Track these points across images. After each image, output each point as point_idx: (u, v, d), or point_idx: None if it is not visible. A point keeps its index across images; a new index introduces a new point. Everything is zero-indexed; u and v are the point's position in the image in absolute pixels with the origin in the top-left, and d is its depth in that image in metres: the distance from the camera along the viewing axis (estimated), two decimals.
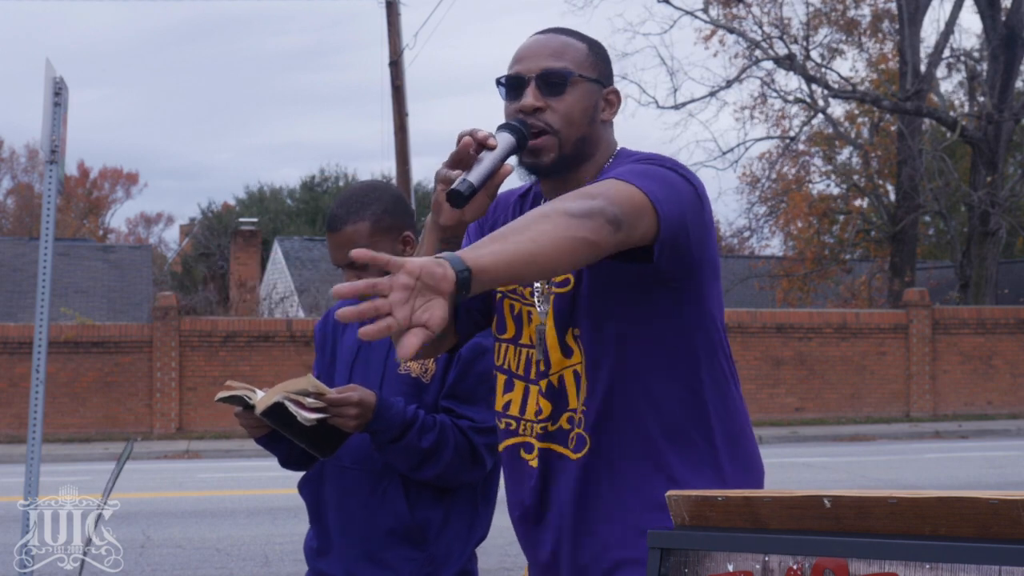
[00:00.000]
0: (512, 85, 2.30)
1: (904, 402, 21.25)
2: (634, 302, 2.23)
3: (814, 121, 28.52)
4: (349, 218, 2.97)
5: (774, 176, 29.08)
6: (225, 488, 12.88)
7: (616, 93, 2.37)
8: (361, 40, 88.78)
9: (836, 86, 26.48)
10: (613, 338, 2.26)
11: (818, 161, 30.13)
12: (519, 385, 2.39)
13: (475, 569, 3.05)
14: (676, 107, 26.06)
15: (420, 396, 2.95)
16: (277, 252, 35.49)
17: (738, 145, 27.26)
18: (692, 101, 26.39)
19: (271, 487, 12.29)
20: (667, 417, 2.27)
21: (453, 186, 2.10)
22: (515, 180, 2.38)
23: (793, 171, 29.53)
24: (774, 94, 27.65)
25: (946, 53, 27.05)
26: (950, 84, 30.58)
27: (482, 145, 2.14)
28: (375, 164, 76.08)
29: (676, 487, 2.18)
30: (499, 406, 2.44)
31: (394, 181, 23.70)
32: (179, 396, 19.35)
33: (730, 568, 1.56)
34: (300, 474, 3.18)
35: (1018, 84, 26.12)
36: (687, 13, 25.82)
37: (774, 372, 20.90)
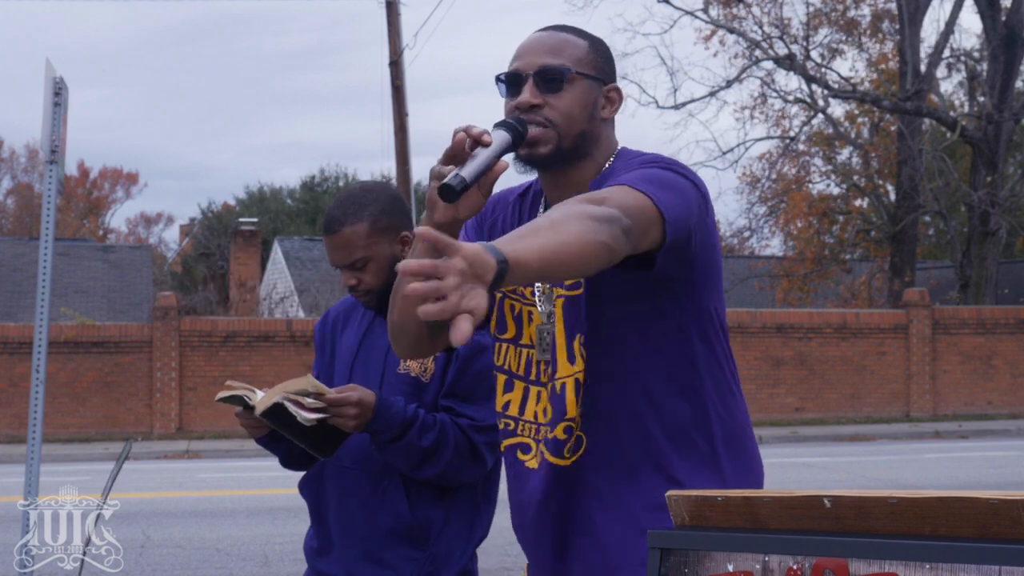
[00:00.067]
0: (511, 82, 2.29)
1: (904, 402, 21.25)
2: (635, 304, 2.23)
3: (814, 121, 28.53)
4: (347, 219, 2.97)
5: (774, 176, 29.08)
6: (225, 488, 12.88)
7: (617, 91, 2.36)
8: (361, 40, 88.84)
9: (836, 86, 26.48)
10: (614, 339, 2.25)
11: (818, 161, 30.14)
12: (519, 386, 2.38)
13: (476, 569, 3.05)
14: (676, 107, 26.06)
15: (420, 395, 2.95)
16: (277, 252, 35.50)
17: (738, 145, 27.27)
18: (692, 101, 26.40)
19: (271, 487, 12.29)
20: (667, 418, 2.27)
21: (445, 180, 2.09)
22: (514, 178, 2.38)
23: (793, 171, 29.53)
24: (774, 94, 27.67)
25: (946, 53, 27.07)
26: (950, 84, 30.63)
27: (477, 141, 2.13)
28: (375, 164, 76.22)
29: (676, 487, 2.18)
30: (499, 406, 2.43)
31: (394, 181, 23.70)
32: (179, 396, 19.35)
33: (730, 568, 1.56)
34: (300, 474, 3.18)
35: (1018, 84, 26.12)
36: (687, 13, 25.83)
37: (774, 372, 20.90)
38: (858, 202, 30.74)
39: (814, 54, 26.92)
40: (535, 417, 2.34)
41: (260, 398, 2.82)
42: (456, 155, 2.13)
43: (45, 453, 6.97)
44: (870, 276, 28.74)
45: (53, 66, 5.37)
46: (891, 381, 21.26)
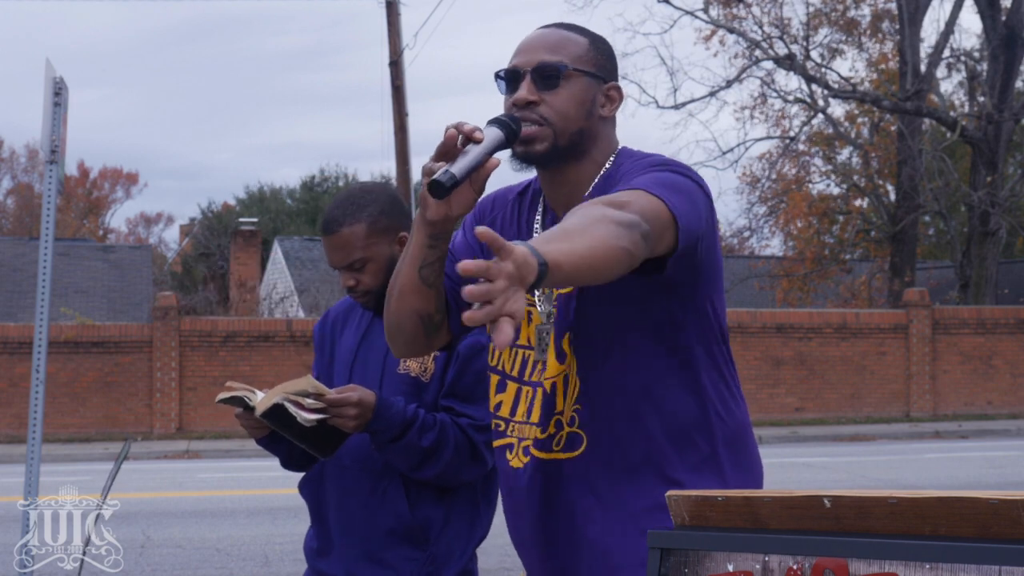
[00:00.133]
0: (509, 78, 2.29)
1: (904, 402, 21.25)
2: (637, 305, 2.22)
3: (814, 121, 28.52)
4: (345, 220, 2.96)
5: (774, 176, 29.07)
6: (225, 488, 12.88)
7: (617, 89, 2.35)
8: (361, 40, 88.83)
9: (836, 86, 26.48)
10: (615, 340, 2.25)
11: (818, 161, 30.14)
12: (511, 387, 2.37)
13: (476, 569, 3.05)
14: (676, 107, 26.06)
15: (419, 395, 2.95)
16: (277, 252, 35.50)
17: (738, 145, 27.26)
18: (692, 101, 26.40)
19: (271, 487, 12.29)
20: (668, 418, 2.26)
21: (434, 176, 2.08)
22: (511, 176, 2.37)
23: (793, 171, 29.53)
24: (774, 94, 27.67)
25: (946, 53, 27.06)
26: (950, 84, 30.61)
27: (468, 138, 2.12)
28: (375, 164, 76.23)
29: (677, 488, 2.17)
30: (491, 406, 2.43)
31: (394, 181, 23.70)
32: (179, 396, 19.35)
33: (730, 568, 1.55)
34: (300, 474, 3.18)
35: (1018, 84, 26.11)
36: (687, 13, 25.83)
37: (774, 372, 20.90)
38: (858, 202, 30.74)
39: (814, 54, 26.93)
40: (526, 418, 2.33)
41: (260, 399, 2.82)
42: (447, 152, 2.12)
43: (45, 453, 6.97)
44: (870, 276, 28.74)
45: (53, 66, 5.37)
46: (891, 381, 21.26)
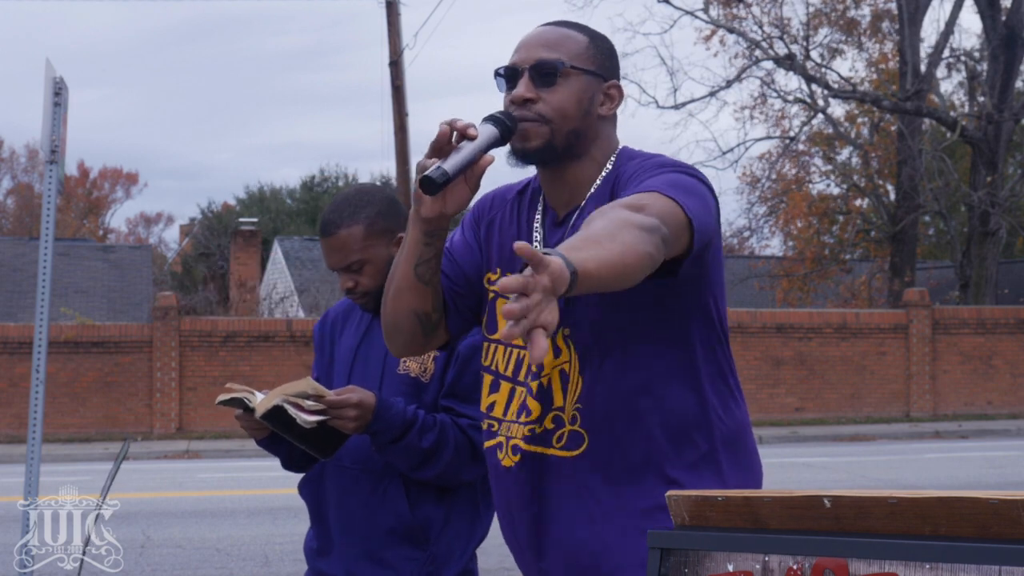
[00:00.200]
0: (508, 76, 2.28)
1: (904, 402, 21.24)
2: (639, 303, 2.21)
3: (814, 121, 28.52)
4: (343, 222, 2.96)
5: (774, 176, 29.08)
6: (225, 488, 12.88)
7: (618, 87, 2.34)
8: (361, 40, 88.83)
9: (836, 86, 26.48)
10: (617, 339, 2.24)
11: (818, 161, 30.14)
12: (505, 386, 2.36)
13: (476, 569, 3.05)
14: (676, 107, 26.06)
15: (419, 395, 2.95)
16: (277, 252, 35.50)
17: (738, 145, 27.26)
18: (692, 101, 26.40)
19: (271, 487, 12.29)
20: (668, 418, 2.25)
21: (426, 173, 2.07)
22: (512, 175, 2.36)
23: (793, 171, 29.53)
24: (774, 94, 27.66)
25: (946, 53, 27.06)
26: (950, 84, 30.61)
27: (462, 135, 2.12)
28: (375, 164, 76.23)
29: (676, 488, 2.17)
30: (483, 406, 2.41)
31: (394, 181, 23.71)
32: (179, 396, 19.35)
33: (730, 568, 1.55)
34: (300, 475, 3.18)
35: (1018, 84, 26.11)
36: (687, 13, 25.82)
37: (774, 372, 20.90)
38: (858, 202, 30.74)
39: (814, 54, 26.93)
40: (518, 418, 2.31)
41: (260, 401, 2.82)
42: (441, 148, 2.11)
43: (45, 453, 6.97)
44: (870, 276, 28.74)
45: (53, 66, 5.37)
46: (891, 381, 21.26)
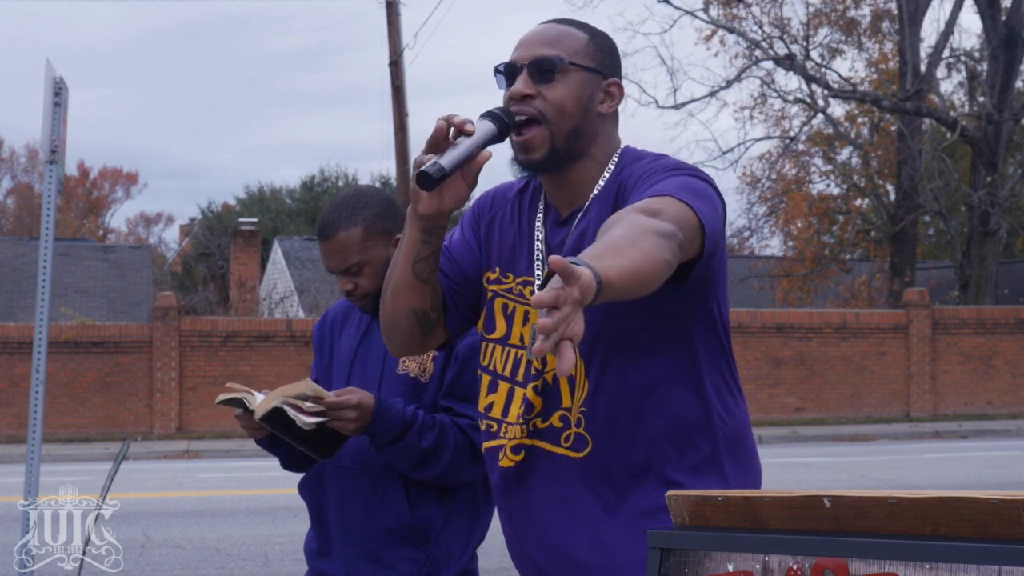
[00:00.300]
0: (508, 73, 2.27)
1: (904, 402, 21.24)
2: (644, 308, 2.18)
3: (814, 121, 28.53)
4: (341, 224, 2.96)
5: (774, 176, 29.08)
6: (225, 488, 12.88)
7: (618, 85, 2.32)
8: (361, 40, 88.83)
9: (836, 86, 26.47)
10: (621, 343, 2.23)
11: (818, 161, 30.14)
12: (503, 387, 2.35)
13: (476, 569, 3.05)
14: (676, 107, 26.06)
15: (419, 396, 2.95)
16: (277, 252, 35.50)
17: (738, 145, 27.27)
18: (692, 101, 26.40)
19: (271, 487, 12.29)
20: (671, 420, 2.24)
21: (422, 168, 2.05)
22: (509, 173, 2.36)
23: (793, 171, 29.53)
24: (774, 94, 27.66)
25: (946, 53, 27.06)
26: (950, 84, 30.61)
27: (460, 130, 2.11)
28: (375, 164, 76.18)
29: (679, 489, 2.16)
30: (481, 407, 2.40)
31: (394, 181, 23.71)
32: (179, 396, 19.36)
33: (730, 568, 1.55)
34: (300, 475, 3.18)
35: (1018, 84, 26.11)
36: (687, 13, 25.83)
37: (774, 372, 20.90)
38: (858, 202, 30.74)
39: (814, 54, 26.93)
40: (519, 419, 2.30)
41: (259, 402, 2.81)
42: (437, 144, 2.10)
43: (45, 453, 6.97)
44: (870, 276, 28.74)
45: (53, 66, 5.37)
46: (891, 381, 21.26)
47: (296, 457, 3.06)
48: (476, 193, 2.44)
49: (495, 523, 3.09)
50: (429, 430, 2.86)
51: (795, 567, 1.48)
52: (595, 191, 2.29)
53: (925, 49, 26.32)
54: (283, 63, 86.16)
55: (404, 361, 2.97)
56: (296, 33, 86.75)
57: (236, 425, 2.97)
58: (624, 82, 2.38)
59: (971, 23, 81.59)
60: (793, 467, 14.00)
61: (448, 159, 2.08)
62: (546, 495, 2.29)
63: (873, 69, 29.37)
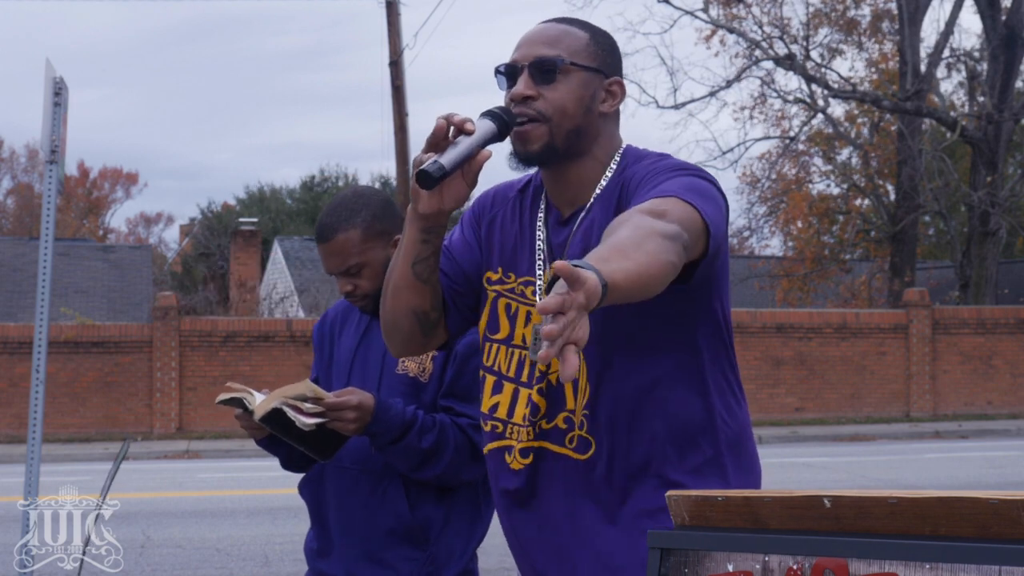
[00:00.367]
0: (508, 73, 2.27)
1: (904, 402, 21.24)
2: (648, 309, 2.17)
3: (814, 121, 28.53)
4: (340, 226, 2.96)
5: (774, 176, 29.08)
6: (225, 488, 12.88)
7: (620, 84, 2.31)
8: (361, 40, 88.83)
9: (836, 86, 26.47)
10: (624, 344, 2.22)
11: (818, 161, 30.14)
12: (508, 387, 2.33)
13: (476, 569, 3.04)
14: (676, 107, 26.06)
15: (418, 395, 2.94)
16: (277, 252, 35.49)
17: (738, 145, 27.26)
18: (692, 101, 26.39)
19: (271, 487, 12.29)
20: (674, 421, 2.24)
21: (422, 167, 2.04)
22: (509, 172, 2.35)
23: (793, 171, 29.53)
24: (774, 94, 27.66)
25: (946, 53, 27.06)
26: (950, 84, 30.61)
27: (460, 129, 2.10)
28: (375, 164, 76.15)
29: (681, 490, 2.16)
30: (485, 408, 2.38)
31: (394, 181, 23.71)
32: (179, 396, 19.35)
33: (730, 568, 1.55)
34: (300, 475, 3.18)
35: (1018, 84, 26.11)
36: (687, 13, 25.82)
37: (774, 372, 20.90)
38: (858, 202, 30.74)
39: (814, 54, 26.92)
40: (524, 420, 2.29)
41: (259, 403, 2.81)
42: (437, 143, 2.10)
43: (45, 453, 6.97)
44: (870, 276, 28.74)
45: (53, 66, 5.36)
46: (891, 381, 21.26)
47: (296, 457, 3.06)
48: (476, 193, 2.43)
49: (495, 523, 3.09)
50: (429, 430, 2.86)
51: (795, 567, 1.48)
52: (597, 190, 2.28)
53: (925, 49, 26.34)
54: (283, 63, 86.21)
55: (403, 361, 2.97)
56: (296, 33, 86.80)
57: (236, 425, 2.97)
58: (625, 81, 2.37)
59: (971, 23, 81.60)
60: (793, 467, 14.00)
61: (448, 158, 2.07)
62: (550, 496, 2.29)
63: (873, 69, 29.38)
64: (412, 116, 25.11)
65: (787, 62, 25.58)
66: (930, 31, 45.96)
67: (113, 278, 29.71)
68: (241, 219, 37.28)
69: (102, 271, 29.84)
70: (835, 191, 30.29)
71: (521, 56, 2.26)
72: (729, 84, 26.07)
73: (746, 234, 30.61)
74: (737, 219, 28.83)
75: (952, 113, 27.13)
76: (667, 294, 2.05)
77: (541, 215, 2.35)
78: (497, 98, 2.30)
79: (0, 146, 53.43)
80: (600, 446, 2.24)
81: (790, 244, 31.85)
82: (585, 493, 2.26)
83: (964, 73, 28.50)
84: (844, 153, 30.29)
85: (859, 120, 30.12)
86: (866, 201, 30.16)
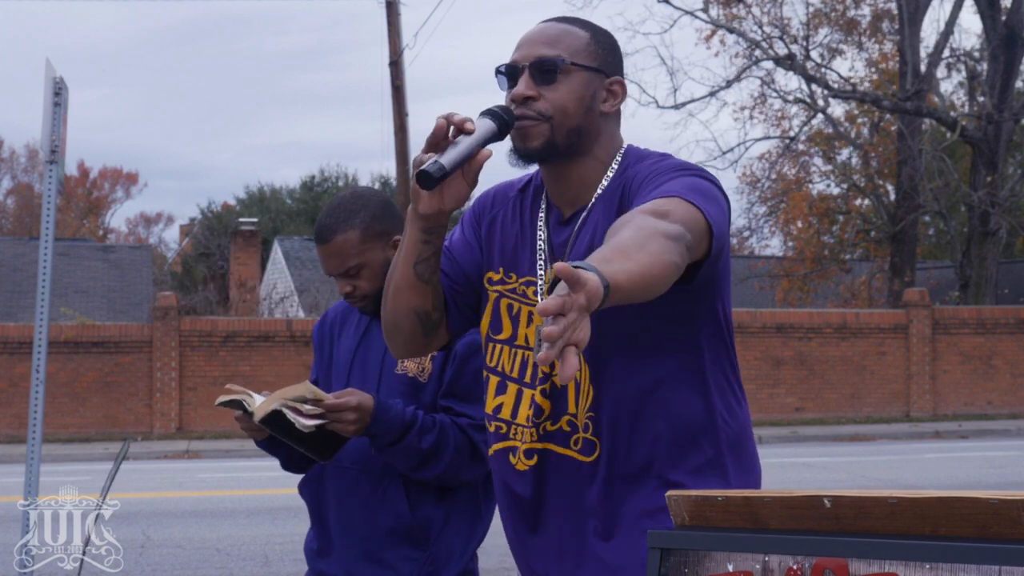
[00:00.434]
0: (509, 74, 2.26)
1: (904, 402, 21.24)
2: (649, 310, 2.16)
3: (814, 121, 28.52)
4: (339, 227, 2.96)
5: (774, 176, 29.08)
6: (225, 488, 12.88)
7: (620, 83, 2.31)
8: (361, 40, 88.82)
9: (836, 86, 26.47)
10: (626, 345, 2.22)
11: (818, 161, 30.14)
12: (512, 388, 2.33)
13: (476, 569, 3.04)
14: (676, 107, 26.06)
15: (418, 396, 2.94)
16: (277, 252, 35.49)
17: (738, 145, 27.26)
18: (692, 101, 26.39)
19: (271, 487, 12.29)
20: (676, 422, 2.24)
21: (422, 167, 2.04)
22: (510, 172, 2.35)
23: (793, 171, 29.53)
24: (774, 94, 27.66)
25: (946, 53, 27.05)
26: (950, 84, 30.60)
27: (460, 129, 2.09)
28: (375, 164, 76.15)
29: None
30: (489, 408, 2.38)
31: (394, 181, 23.71)
32: (179, 396, 19.35)
33: (730, 568, 1.55)
34: (300, 475, 3.18)
35: (1018, 84, 26.11)
36: (687, 13, 25.82)
37: (774, 372, 20.90)
38: (858, 202, 30.74)
39: (814, 54, 26.92)
40: (528, 421, 2.29)
41: (258, 404, 2.81)
42: (437, 142, 2.09)
43: (45, 453, 6.97)
44: (870, 276, 28.74)
45: (53, 66, 5.36)
46: (891, 381, 21.26)
47: (296, 458, 3.06)
48: (476, 192, 2.43)
49: (495, 523, 3.09)
50: (429, 431, 2.86)
51: (795, 567, 1.48)
52: (599, 190, 2.28)
53: (925, 49, 26.33)
54: (283, 63, 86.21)
55: (402, 361, 2.96)
56: (296, 33, 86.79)
57: (236, 425, 2.97)
58: (626, 81, 2.37)
59: (971, 23, 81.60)
60: (793, 467, 14.00)
61: (448, 158, 2.06)
62: (554, 497, 2.29)
63: (873, 69, 29.37)
64: (412, 116, 25.14)
65: (787, 62, 25.58)
66: (930, 31, 46.02)
67: (113, 278, 29.71)
68: (241, 219, 37.28)
69: (102, 271, 29.84)
70: (835, 191, 30.30)
71: (522, 56, 2.25)
72: (729, 84, 26.07)
73: (746, 234, 30.62)
74: (737, 219, 28.84)
75: (952, 113, 27.13)
76: (670, 295, 2.04)
77: (542, 215, 2.34)
78: (497, 98, 2.30)
79: (0, 146, 53.44)
80: (605, 448, 2.23)
81: (790, 244, 31.86)
82: (587, 494, 2.25)
83: (964, 73, 28.50)
84: (844, 153, 30.29)
85: (859, 120, 30.12)
86: (866, 201, 30.16)
